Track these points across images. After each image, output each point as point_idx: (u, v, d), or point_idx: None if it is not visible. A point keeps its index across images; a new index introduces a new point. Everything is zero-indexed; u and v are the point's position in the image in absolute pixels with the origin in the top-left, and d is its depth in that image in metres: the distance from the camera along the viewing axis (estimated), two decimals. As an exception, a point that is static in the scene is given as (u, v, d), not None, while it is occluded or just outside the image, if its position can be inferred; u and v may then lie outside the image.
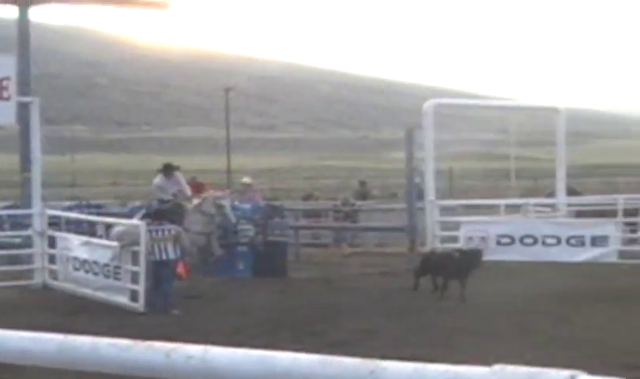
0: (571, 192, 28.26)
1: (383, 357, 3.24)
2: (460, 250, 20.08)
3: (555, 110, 28.98)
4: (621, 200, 25.82)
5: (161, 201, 22.29)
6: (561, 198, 27.24)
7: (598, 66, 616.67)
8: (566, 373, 2.83)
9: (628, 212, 24.66)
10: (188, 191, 22.62)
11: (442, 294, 18.26)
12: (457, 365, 2.99)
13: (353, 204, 30.86)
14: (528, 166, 60.27)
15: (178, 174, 23.10)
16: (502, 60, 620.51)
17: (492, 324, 15.25)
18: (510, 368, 2.91)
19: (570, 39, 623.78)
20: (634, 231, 24.24)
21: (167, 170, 22.88)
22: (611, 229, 23.63)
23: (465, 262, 18.63)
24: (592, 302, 16.87)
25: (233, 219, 22.19)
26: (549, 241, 23.30)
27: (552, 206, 27.62)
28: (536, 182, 49.29)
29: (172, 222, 19.73)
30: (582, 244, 23.16)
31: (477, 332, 14.52)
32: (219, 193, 23.09)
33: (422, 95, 54.89)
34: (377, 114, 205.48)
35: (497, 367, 2.91)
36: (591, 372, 2.90)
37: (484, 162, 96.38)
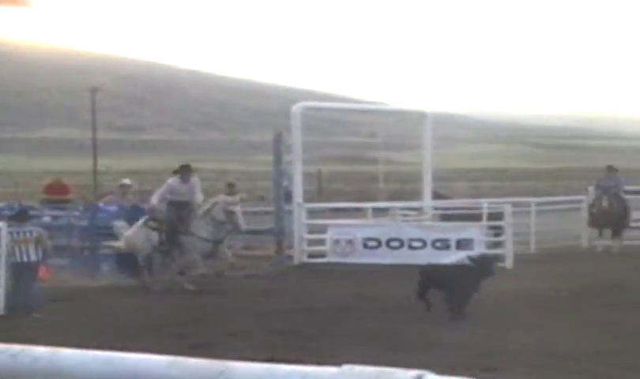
0: (437, 196, 28.60)
1: (245, 359, 3.18)
2: (471, 258, 17.49)
3: (422, 114, 29.29)
4: (485, 204, 26.25)
5: (171, 204, 21.19)
6: (427, 202, 27.53)
7: (464, 70, 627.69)
8: (413, 372, 2.85)
9: (492, 216, 25.07)
10: (200, 197, 21.36)
11: (460, 313, 15.88)
12: (307, 366, 2.99)
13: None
14: (396, 169, 60.83)
15: (196, 179, 21.68)
16: (371, 63, 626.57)
17: (357, 327, 15.29)
18: (359, 368, 2.92)
19: (436, 43, 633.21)
20: (497, 235, 24.62)
21: (185, 172, 21.39)
22: (476, 232, 23.99)
23: (477, 272, 16.38)
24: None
25: (243, 227, 21.44)
26: (415, 244, 23.53)
27: (419, 209, 27.89)
28: (404, 186, 49.77)
29: (180, 227, 20.30)
30: (448, 247, 23.45)
31: (341, 335, 14.53)
32: (229, 199, 21.83)
33: (291, 98, 54.97)
34: (246, 117, 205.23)
35: (346, 367, 2.92)
36: (450, 374, 2.94)
37: (353, 165, 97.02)
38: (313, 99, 72.06)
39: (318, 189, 46.66)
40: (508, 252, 23.44)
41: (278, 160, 25.16)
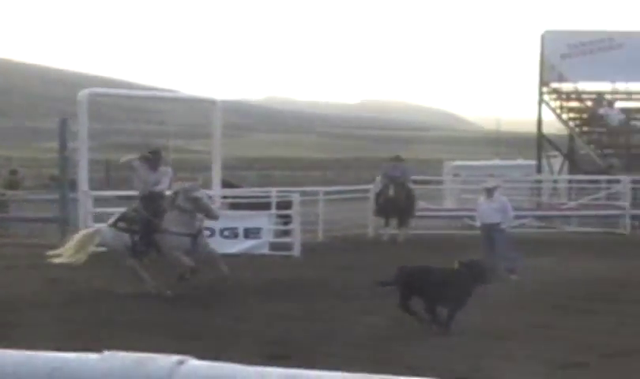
0: (227, 184, 28.52)
1: (28, 349, 3.09)
2: (461, 263, 14.68)
3: (212, 102, 29.12)
4: (274, 193, 26.38)
5: (144, 199, 18.37)
6: (216, 190, 27.40)
7: (255, 59, 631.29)
8: (175, 358, 2.88)
9: (281, 205, 25.22)
10: (164, 187, 18.55)
11: (448, 327, 13.83)
12: (68, 353, 2.98)
13: (3, 194, 29.83)
14: (186, 157, 60.40)
15: (167, 168, 18.91)
16: (160, 50, 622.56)
17: (145, 315, 15.10)
18: (121, 354, 2.94)
19: (227, 31, 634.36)
20: (286, 223, 24.81)
21: (153, 159, 18.65)
22: (264, 221, 24.16)
23: (469, 279, 14.21)
24: (243, 294, 17.02)
25: (216, 213, 19.12)
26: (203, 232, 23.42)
27: (208, 198, 27.72)
28: (194, 174, 49.48)
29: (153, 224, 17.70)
30: (236, 236, 23.56)
31: (128, 324, 14.29)
32: (188, 185, 18.55)
33: (78, 84, 53.88)
34: (31, 102, 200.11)
35: (107, 353, 2.94)
36: (233, 361, 2.91)
37: (142, 153, 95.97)
38: (99, 85, 70.84)
39: (106, 176, 45.94)
40: (296, 240, 23.63)
41: (63, 147, 24.58)
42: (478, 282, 14.15)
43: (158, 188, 18.40)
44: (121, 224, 18.52)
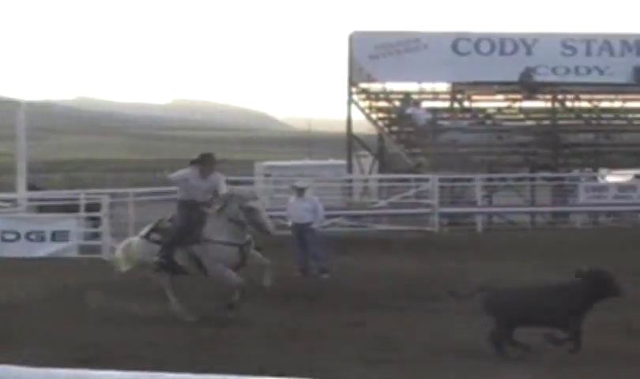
0: (31, 187, 27.86)
1: None
2: (581, 274, 11.77)
3: (16, 103, 28.46)
4: (83, 195, 25.92)
5: (183, 205, 15.83)
6: (21, 193, 26.72)
7: (66, 58, 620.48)
8: None
9: (90, 207, 24.81)
10: (225, 191, 15.62)
11: (575, 348, 11.55)
12: None
13: None
14: (-10, 160, 58.78)
15: (219, 174, 15.95)
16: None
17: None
18: None
19: (37, 31, 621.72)
20: (95, 226, 24.43)
21: (205, 163, 15.77)
22: (72, 224, 23.83)
23: (592, 291, 11.65)
24: (55, 298, 16.61)
25: (271, 227, 15.79)
26: (8, 236, 23.14)
27: (12, 201, 27.04)
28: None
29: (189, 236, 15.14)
30: (42, 239, 23.34)
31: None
32: (245, 192, 16.23)
33: None
34: None
35: None
36: (39, 365, 3.01)
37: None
38: None
39: None
40: (105, 243, 23.33)
41: None
42: (603, 295, 11.72)
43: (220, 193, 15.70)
44: (154, 236, 16.19)
